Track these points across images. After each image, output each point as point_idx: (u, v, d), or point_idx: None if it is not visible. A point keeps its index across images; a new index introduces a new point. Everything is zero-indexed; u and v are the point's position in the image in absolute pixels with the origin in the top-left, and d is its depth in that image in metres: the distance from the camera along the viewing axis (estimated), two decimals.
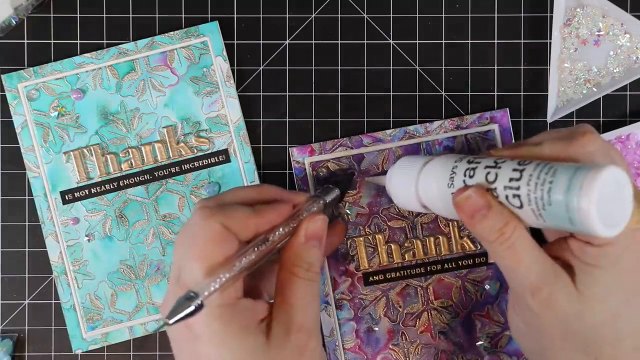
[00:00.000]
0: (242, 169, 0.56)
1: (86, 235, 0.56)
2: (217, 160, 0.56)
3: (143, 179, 0.56)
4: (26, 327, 0.57)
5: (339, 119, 0.56)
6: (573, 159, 0.39)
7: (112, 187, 0.56)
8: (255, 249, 0.42)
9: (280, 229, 0.43)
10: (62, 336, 0.56)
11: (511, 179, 0.39)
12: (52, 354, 0.57)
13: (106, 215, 0.56)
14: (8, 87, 0.56)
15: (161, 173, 0.56)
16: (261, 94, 0.56)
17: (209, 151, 0.56)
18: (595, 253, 0.39)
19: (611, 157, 0.40)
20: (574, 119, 0.56)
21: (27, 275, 0.57)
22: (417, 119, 0.56)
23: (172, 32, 0.56)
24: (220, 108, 0.56)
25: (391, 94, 0.56)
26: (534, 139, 0.44)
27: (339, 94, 0.56)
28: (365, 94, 0.56)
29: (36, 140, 0.56)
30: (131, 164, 0.56)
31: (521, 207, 0.38)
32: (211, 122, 0.56)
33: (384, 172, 0.52)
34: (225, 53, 0.56)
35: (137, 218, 0.56)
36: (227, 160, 0.56)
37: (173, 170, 0.56)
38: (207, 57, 0.56)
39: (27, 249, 0.57)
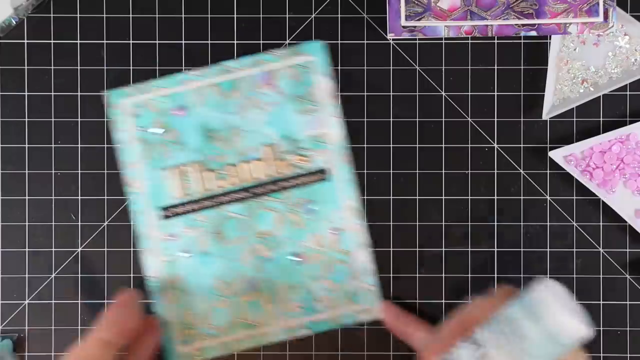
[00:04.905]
0: (341, 188, 0.56)
1: (184, 251, 0.56)
2: (316, 179, 0.56)
3: (242, 196, 0.56)
4: (26, 327, 0.57)
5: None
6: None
7: (210, 203, 0.55)
8: None
9: None
10: (62, 336, 0.56)
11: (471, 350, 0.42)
12: (52, 354, 0.56)
13: (204, 232, 0.56)
14: (113, 103, 0.55)
15: (260, 191, 0.56)
16: None
17: (309, 170, 0.56)
18: None
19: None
20: (574, 119, 0.56)
21: (27, 275, 0.57)
22: (417, 119, 0.56)
23: (276, 50, 0.56)
24: (322, 127, 0.56)
25: (391, 94, 0.56)
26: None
27: (339, 93, 0.56)
28: (365, 94, 0.56)
29: (138, 156, 0.55)
30: (231, 181, 0.56)
31: None
32: (312, 140, 0.56)
33: None
34: (329, 72, 0.56)
35: (235, 235, 0.56)
36: (326, 179, 0.56)
37: (272, 188, 0.56)
38: (310, 76, 0.56)
39: (27, 249, 0.57)
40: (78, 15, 0.56)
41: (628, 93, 0.56)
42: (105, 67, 0.57)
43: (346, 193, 0.56)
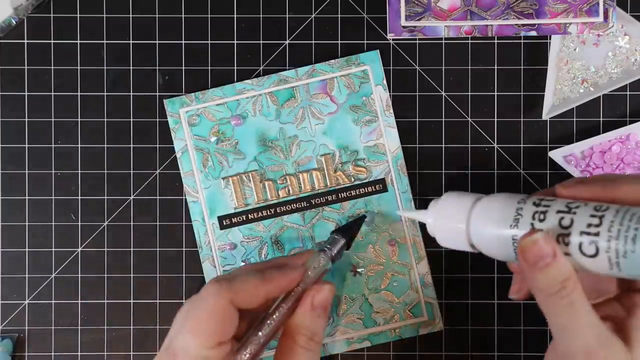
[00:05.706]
0: (399, 199, 0.56)
1: (242, 261, 0.56)
2: (374, 189, 0.56)
3: (300, 206, 0.56)
4: (26, 327, 0.57)
5: None
6: None
7: (269, 213, 0.56)
8: (259, 332, 0.45)
9: (283, 305, 0.46)
10: (62, 336, 0.56)
11: (589, 225, 0.37)
12: (52, 354, 0.56)
13: (262, 242, 0.56)
14: (170, 111, 0.55)
15: (318, 201, 0.56)
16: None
17: (366, 180, 0.56)
18: None
19: None
20: (574, 119, 0.56)
21: (27, 275, 0.57)
22: (417, 119, 0.56)
23: (332, 60, 0.56)
24: (379, 137, 0.56)
25: (391, 93, 0.56)
26: (606, 175, 0.42)
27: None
28: None
29: (195, 165, 0.55)
30: (288, 191, 0.56)
31: (596, 254, 0.37)
32: (369, 151, 0.56)
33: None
34: (385, 82, 0.56)
35: (293, 245, 0.56)
36: (384, 189, 0.56)
37: (330, 198, 0.56)
38: (367, 86, 0.56)
39: (27, 249, 0.57)
40: (78, 15, 0.56)
41: (628, 93, 0.56)
42: (105, 67, 0.57)
43: (404, 204, 0.56)
